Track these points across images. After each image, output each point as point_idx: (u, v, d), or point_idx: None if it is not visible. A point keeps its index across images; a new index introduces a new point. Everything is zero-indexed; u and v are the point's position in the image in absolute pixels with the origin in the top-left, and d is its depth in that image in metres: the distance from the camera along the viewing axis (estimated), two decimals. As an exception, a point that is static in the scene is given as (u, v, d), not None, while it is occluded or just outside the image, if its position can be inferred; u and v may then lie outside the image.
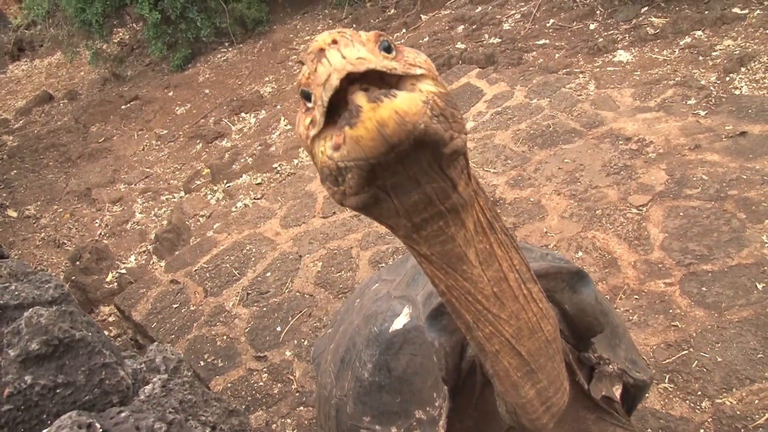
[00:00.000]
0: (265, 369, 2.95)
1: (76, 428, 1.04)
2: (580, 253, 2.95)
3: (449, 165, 0.65)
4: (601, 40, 4.84)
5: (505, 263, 0.79)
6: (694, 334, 2.38)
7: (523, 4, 6.07)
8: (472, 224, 0.74)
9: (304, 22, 7.89)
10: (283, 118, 5.81)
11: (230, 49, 7.86)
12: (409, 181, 0.64)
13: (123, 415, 1.12)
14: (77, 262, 4.35)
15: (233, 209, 4.56)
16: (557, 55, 4.98)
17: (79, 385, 1.22)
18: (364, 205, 0.65)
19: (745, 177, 3.02)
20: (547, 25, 5.52)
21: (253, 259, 3.78)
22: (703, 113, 3.62)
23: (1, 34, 11.54)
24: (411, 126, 0.57)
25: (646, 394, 1.84)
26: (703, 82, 3.91)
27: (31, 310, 1.21)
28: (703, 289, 2.55)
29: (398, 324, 1.22)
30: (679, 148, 3.40)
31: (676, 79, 4.04)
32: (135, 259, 4.47)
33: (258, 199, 4.61)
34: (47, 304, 1.36)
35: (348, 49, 0.61)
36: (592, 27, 5.18)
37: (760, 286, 2.46)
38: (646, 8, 5.01)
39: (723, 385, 2.18)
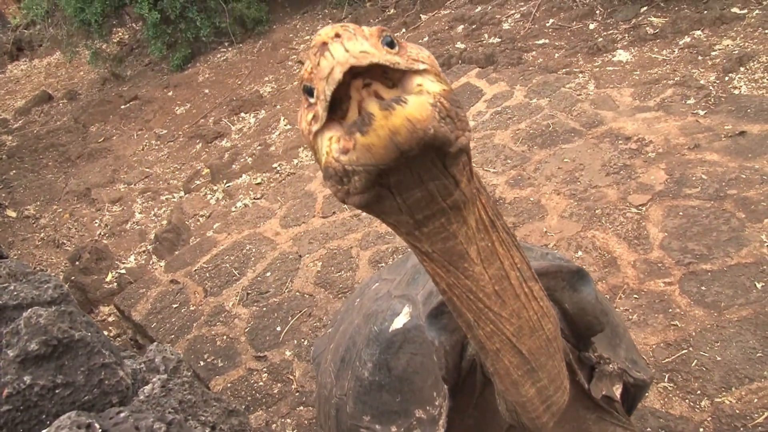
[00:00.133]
0: (264, 369, 2.95)
1: (76, 428, 1.04)
2: (580, 253, 2.95)
3: (453, 163, 0.65)
4: (600, 39, 4.84)
5: (507, 261, 0.79)
6: (694, 334, 2.38)
7: (522, 3, 6.07)
8: (474, 221, 0.74)
9: (303, 21, 7.89)
10: (282, 118, 5.81)
11: (230, 48, 7.86)
12: (412, 179, 0.64)
13: (122, 415, 1.11)
14: (77, 262, 4.34)
15: (233, 209, 4.56)
16: (557, 54, 4.98)
17: (78, 385, 1.22)
18: (367, 203, 0.65)
19: (744, 176, 3.02)
20: (547, 24, 5.52)
21: (252, 259, 3.78)
22: (702, 113, 3.63)
23: (0, 34, 11.53)
24: (422, 132, 0.58)
25: (646, 394, 1.84)
26: (702, 82, 3.91)
27: (30, 310, 1.21)
28: (703, 288, 2.55)
29: (398, 323, 1.22)
30: (678, 147, 3.40)
31: (676, 78, 4.04)
32: (135, 259, 4.46)
33: (258, 199, 4.61)
34: (46, 304, 1.36)
35: (351, 43, 0.60)
36: (591, 27, 5.18)
37: (759, 286, 2.46)
38: (645, 8, 5.02)
39: (722, 384, 2.18)
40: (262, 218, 4.18)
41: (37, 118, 7.82)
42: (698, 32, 4.47)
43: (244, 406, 2.76)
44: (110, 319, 3.90)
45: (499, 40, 5.55)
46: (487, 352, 0.85)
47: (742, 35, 4.25)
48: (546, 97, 4.31)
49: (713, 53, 4.17)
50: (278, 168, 5.02)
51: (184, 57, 7.81)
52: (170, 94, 7.25)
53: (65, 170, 6.17)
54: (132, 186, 5.58)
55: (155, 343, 1.69)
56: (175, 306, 3.58)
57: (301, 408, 2.70)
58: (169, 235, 4.39)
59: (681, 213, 2.96)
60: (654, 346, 2.40)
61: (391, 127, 0.57)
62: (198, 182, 5.28)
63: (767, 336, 2.27)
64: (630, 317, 2.55)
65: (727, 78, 3.87)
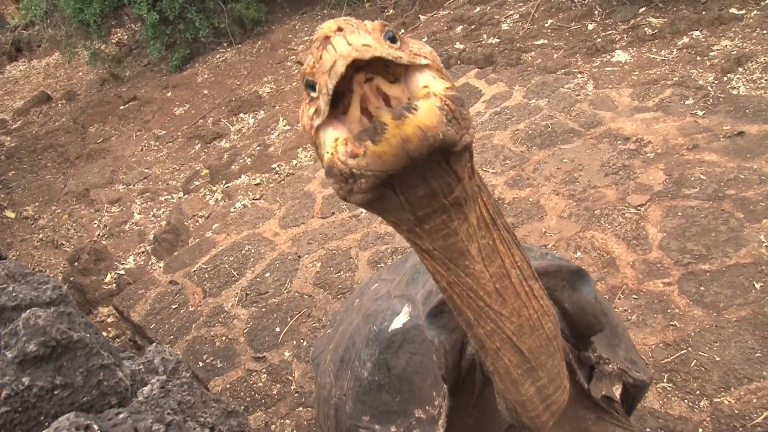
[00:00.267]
0: (264, 370, 2.95)
1: (74, 430, 1.04)
2: (579, 253, 2.95)
3: (456, 160, 0.66)
4: (599, 40, 4.85)
5: (508, 259, 0.79)
6: (693, 334, 2.39)
7: (521, 4, 6.08)
8: (475, 219, 0.74)
9: (302, 22, 7.89)
10: (281, 119, 5.81)
11: (229, 49, 7.86)
12: (416, 178, 0.64)
13: (121, 416, 1.11)
14: (75, 263, 4.34)
15: (232, 210, 4.56)
16: (556, 55, 4.99)
17: (77, 386, 1.21)
18: (369, 201, 0.65)
19: (742, 177, 3.02)
20: (546, 25, 5.53)
21: (251, 259, 3.78)
22: (701, 113, 3.63)
23: (-1, 35, 11.52)
24: (432, 139, 0.58)
25: (646, 394, 1.84)
26: (700, 82, 3.92)
27: (28, 311, 1.21)
28: (702, 288, 2.55)
29: (398, 323, 1.22)
30: (677, 147, 3.41)
31: (674, 79, 4.04)
32: (134, 260, 4.46)
33: (257, 199, 4.61)
34: (45, 305, 1.36)
35: (354, 36, 0.61)
36: (590, 27, 5.19)
37: (758, 286, 2.47)
38: (644, 9, 5.02)
39: (721, 385, 2.18)
40: (261, 219, 4.18)
41: (35, 118, 7.81)
42: (696, 33, 4.48)
43: (243, 407, 2.76)
44: (109, 320, 3.89)
45: (498, 40, 5.55)
46: (487, 351, 0.85)
47: (740, 36, 4.26)
48: (545, 98, 4.32)
49: (711, 54, 4.18)
50: (277, 168, 5.01)
51: (182, 57, 7.81)
52: (169, 94, 7.25)
53: (64, 171, 6.16)
54: (131, 187, 5.58)
55: (154, 344, 1.68)
56: (174, 307, 3.57)
57: (300, 409, 2.70)
58: (168, 236, 4.38)
59: (680, 213, 2.96)
60: (653, 347, 2.40)
61: (403, 136, 0.57)
62: (197, 183, 5.28)
63: (766, 336, 2.28)
64: (629, 317, 2.55)
65: (725, 78, 3.88)
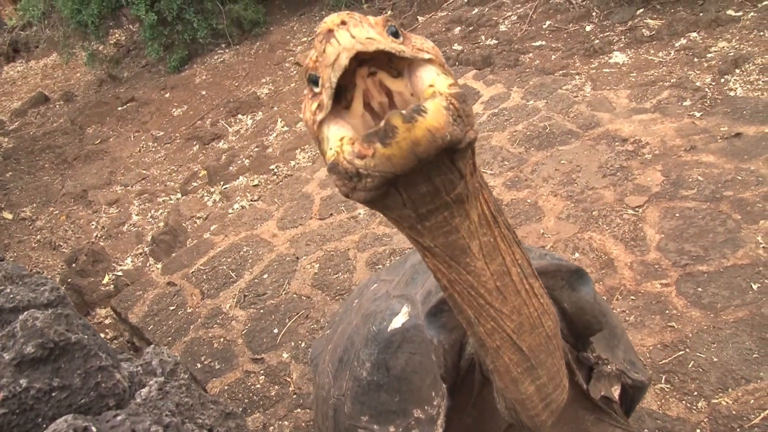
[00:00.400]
0: (262, 371, 2.94)
1: None
2: (577, 255, 2.96)
3: (460, 157, 0.66)
4: (597, 41, 4.86)
5: (508, 257, 0.79)
6: (690, 335, 2.39)
7: (519, 5, 6.09)
8: (477, 216, 0.74)
9: (300, 23, 7.89)
10: (280, 120, 5.81)
11: (227, 50, 7.86)
12: (420, 176, 0.64)
13: (119, 418, 1.11)
14: (73, 265, 4.32)
15: (230, 211, 4.55)
16: (554, 56, 5.00)
17: (75, 388, 1.21)
18: (372, 199, 0.65)
19: (740, 178, 3.03)
20: (544, 26, 5.54)
21: (250, 260, 3.77)
22: (698, 114, 3.64)
23: (-3, 36, 11.49)
24: (440, 140, 0.59)
25: (644, 395, 1.85)
26: (698, 84, 3.93)
27: (26, 313, 1.20)
28: (699, 289, 2.56)
29: (397, 323, 1.22)
30: (674, 149, 3.42)
31: (672, 80, 4.06)
32: (131, 261, 4.45)
33: (255, 200, 4.60)
34: (43, 306, 1.35)
35: (357, 29, 0.60)
36: (588, 29, 5.20)
37: (755, 287, 2.47)
38: (641, 10, 5.04)
39: (719, 385, 2.18)
40: (259, 220, 4.17)
41: (33, 119, 7.80)
42: (694, 34, 4.50)
43: (241, 409, 2.75)
44: (107, 321, 3.88)
45: (496, 41, 5.56)
46: (487, 350, 0.85)
47: (737, 37, 4.27)
48: (543, 99, 4.33)
49: (709, 55, 4.19)
50: (275, 170, 5.01)
51: (181, 59, 7.80)
52: (167, 95, 7.24)
53: (62, 172, 6.15)
54: (129, 188, 5.57)
55: (152, 346, 1.68)
56: (172, 308, 3.56)
57: (299, 410, 2.69)
58: (166, 237, 4.37)
59: (677, 214, 2.97)
60: (651, 348, 2.40)
61: (413, 139, 0.57)
62: (195, 184, 5.27)
63: (763, 337, 2.28)
64: (627, 319, 2.56)
65: (722, 80, 3.90)
